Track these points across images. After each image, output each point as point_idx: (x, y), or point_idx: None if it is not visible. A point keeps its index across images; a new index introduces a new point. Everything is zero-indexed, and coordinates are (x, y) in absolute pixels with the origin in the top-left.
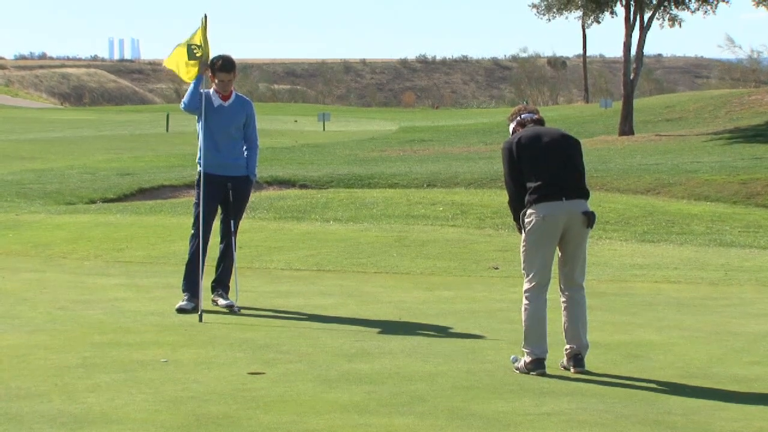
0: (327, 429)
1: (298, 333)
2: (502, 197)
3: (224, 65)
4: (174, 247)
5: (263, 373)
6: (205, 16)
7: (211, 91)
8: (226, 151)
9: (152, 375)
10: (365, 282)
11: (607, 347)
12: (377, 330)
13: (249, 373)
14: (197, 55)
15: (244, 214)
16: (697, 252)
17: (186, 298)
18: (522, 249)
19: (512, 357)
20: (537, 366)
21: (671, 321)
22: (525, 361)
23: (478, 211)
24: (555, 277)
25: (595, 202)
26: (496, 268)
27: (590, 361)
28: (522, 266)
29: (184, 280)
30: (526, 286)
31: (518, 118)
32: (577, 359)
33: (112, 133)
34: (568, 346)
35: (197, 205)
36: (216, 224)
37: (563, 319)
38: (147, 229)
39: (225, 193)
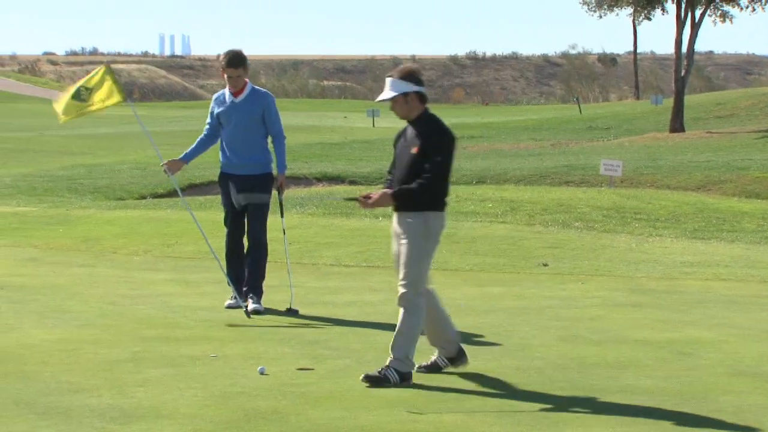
0: (375, 425)
1: (347, 329)
2: (552, 194)
3: (231, 61)
4: (224, 243)
5: (312, 369)
6: (108, 66)
7: (225, 89)
8: (242, 149)
9: (201, 370)
10: None
11: (657, 345)
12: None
13: (298, 369)
14: (82, 98)
15: (285, 210)
16: (747, 250)
17: (234, 296)
18: (420, 253)
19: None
20: (410, 378)
21: (721, 318)
22: (402, 373)
23: (528, 208)
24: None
25: (645, 199)
26: (546, 265)
27: (640, 359)
28: (412, 271)
29: (227, 276)
30: (417, 291)
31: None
32: (461, 353)
33: (162, 129)
34: (447, 346)
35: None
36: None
37: (430, 320)
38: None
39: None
